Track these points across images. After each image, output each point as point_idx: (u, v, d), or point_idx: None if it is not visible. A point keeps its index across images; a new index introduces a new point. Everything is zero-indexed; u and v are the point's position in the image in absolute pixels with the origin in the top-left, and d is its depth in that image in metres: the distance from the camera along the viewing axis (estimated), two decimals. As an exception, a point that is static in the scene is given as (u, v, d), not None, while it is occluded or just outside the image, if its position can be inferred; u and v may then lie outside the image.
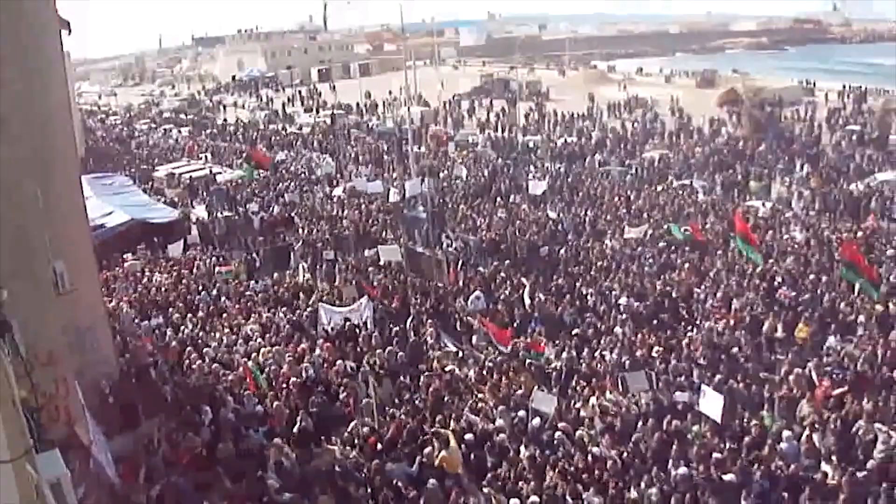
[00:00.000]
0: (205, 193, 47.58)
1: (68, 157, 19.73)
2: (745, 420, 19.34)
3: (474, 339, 25.58)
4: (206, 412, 20.31)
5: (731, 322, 25.45)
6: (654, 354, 23.41)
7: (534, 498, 16.40)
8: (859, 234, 33.58)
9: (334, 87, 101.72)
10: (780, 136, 54.08)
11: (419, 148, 42.44)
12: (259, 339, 24.87)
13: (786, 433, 18.46)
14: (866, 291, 24.58)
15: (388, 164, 53.01)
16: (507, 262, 32.95)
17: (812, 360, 21.83)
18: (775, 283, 28.14)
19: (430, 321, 26.10)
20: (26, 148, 15.84)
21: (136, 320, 26.83)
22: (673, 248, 32.96)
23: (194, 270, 32.09)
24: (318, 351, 23.70)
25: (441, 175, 48.96)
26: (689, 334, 25.32)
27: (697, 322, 26.39)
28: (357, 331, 25.12)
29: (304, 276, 31.94)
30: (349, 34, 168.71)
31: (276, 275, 31.82)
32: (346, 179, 49.57)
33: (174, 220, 38.32)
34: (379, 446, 18.73)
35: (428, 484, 17.22)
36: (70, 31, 20.87)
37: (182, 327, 26.28)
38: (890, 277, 27.69)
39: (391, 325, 25.88)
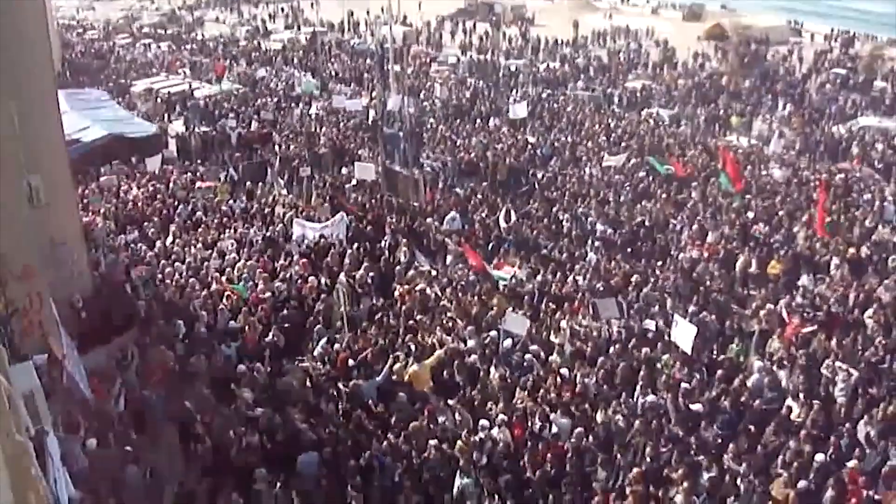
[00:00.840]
0: (182, 109, 47.19)
1: (44, 71, 19.59)
2: (715, 352, 19.56)
3: (448, 258, 25.62)
4: (180, 326, 20.39)
5: (706, 254, 25.61)
6: (627, 282, 23.52)
7: (502, 417, 16.62)
8: (838, 176, 33.71)
9: (317, 4, 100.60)
10: (764, 75, 53.94)
11: (400, 68, 41.96)
12: (234, 255, 24.89)
13: (757, 364, 18.70)
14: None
15: (368, 82, 52.71)
16: (485, 184, 32.98)
17: (784, 298, 22.00)
18: (751, 219, 28.24)
19: (404, 240, 26.10)
20: (0, 61, 15.71)
21: (112, 235, 26.78)
22: (651, 178, 32.98)
23: (171, 185, 31.93)
24: (293, 267, 23.78)
25: (421, 95, 48.75)
26: (662, 264, 25.44)
27: (672, 253, 26.51)
28: (331, 248, 25.15)
29: (279, 192, 31.91)
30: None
31: (251, 190, 31.72)
32: (325, 97, 49.31)
33: (151, 135, 38.02)
34: (350, 363, 18.88)
35: (397, 398, 17.43)
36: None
37: (157, 242, 26.24)
38: (865, 222, 27.80)
39: (366, 243, 25.92)
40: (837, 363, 18.27)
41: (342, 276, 22.68)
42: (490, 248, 26.68)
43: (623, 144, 38.35)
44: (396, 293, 22.53)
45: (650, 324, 20.68)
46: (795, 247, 25.66)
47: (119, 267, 23.53)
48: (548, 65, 60.57)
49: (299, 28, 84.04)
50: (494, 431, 16.23)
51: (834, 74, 53.96)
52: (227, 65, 59.30)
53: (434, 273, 24.23)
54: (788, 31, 73.08)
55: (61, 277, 19.99)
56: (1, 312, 10.48)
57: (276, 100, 49.27)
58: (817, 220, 25.98)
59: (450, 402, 17.52)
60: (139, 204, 29.70)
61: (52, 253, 19.47)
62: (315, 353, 19.44)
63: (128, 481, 15.40)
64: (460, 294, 22.52)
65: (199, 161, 37.01)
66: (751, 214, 28.58)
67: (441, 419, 16.84)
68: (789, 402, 17.40)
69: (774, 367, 18.81)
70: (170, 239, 26.50)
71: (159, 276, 23.36)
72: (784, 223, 27.60)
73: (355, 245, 25.53)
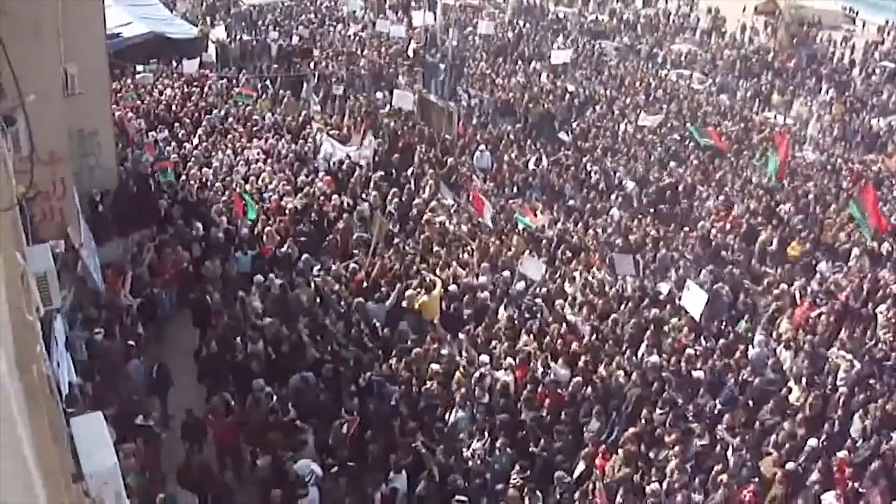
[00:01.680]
0: (226, 15, 46.99)
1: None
2: (724, 323, 19.58)
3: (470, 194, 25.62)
4: (198, 229, 20.53)
5: (728, 226, 25.50)
6: (646, 242, 23.52)
7: (509, 360, 16.75)
8: (874, 167, 33.43)
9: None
10: (811, 57, 53.24)
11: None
12: (260, 164, 24.97)
13: (757, 338, 18.70)
14: (862, 230, 24.45)
15: (417, 8, 52.23)
16: (518, 125, 32.87)
17: (799, 280, 21.93)
18: (778, 197, 28.10)
19: (431, 171, 26.13)
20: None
21: (141, 132, 26.87)
22: (684, 142, 32.82)
23: (205, 90, 31.94)
24: (317, 183, 23.87)
25: (467, 30, 48.50)
26: (684, 229, 25.39)
27: (695, 219, 26.37)
28: (357, 169, 25.22)
29: (312, 108, 31.90)
30: None
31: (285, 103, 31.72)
32: (369, 19, 49.02)
33: (192, 38, 37.88)
34: (364, 284, 19.01)
35: (400, 324, 17.59)
36: None
37: (186, 143, 26.33)
38: (892, 218, 27.49)
39: (392, 170, 25.95)
40: (842, 352, 18.26)
41: (365, 197, 22.79)
42: (515, 190, 26.61)
43: (661, 106, 37.97)
44: (416, 222, 22.58)
45: (663, 286, 20.67)
46: (818, 231, 25.50)
47: (145, 163, 23.61)
48: (596, 17, 59.95)
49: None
50: (496, 372, 16.38)
51: (882, 67, 53.20)
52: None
53: (456, 207, 24.23)
54: (842, 17, 71.84)
55: (87, 167, 20.13)
56: (24, 194, 10.61)
57: (320, 16, 48.99)
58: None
59: (457, 335, 17.65)
60: (172, 104, 29.70)
61: (79, 142, 19.59)
62: (330, 270, 19.61)
63: (130, 374, 15.63)
64: (479, 231, 22.53)
65: (236, 69, 36.86)
66: (780, 194, 28.37)
67: (444, 350, 16.97)
68: (790, 384, 17.43)
69: (780, 348, 18.79)
70: (198, 141, 26.52)
71: (183, 177, 23.45)
72: (811, 206, 27.39)
73: (382, 170, 25.55)
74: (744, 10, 65.08)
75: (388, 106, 32.07)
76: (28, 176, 9.48)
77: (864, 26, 66.54)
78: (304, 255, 20.24)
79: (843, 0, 76.94)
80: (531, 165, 28.28)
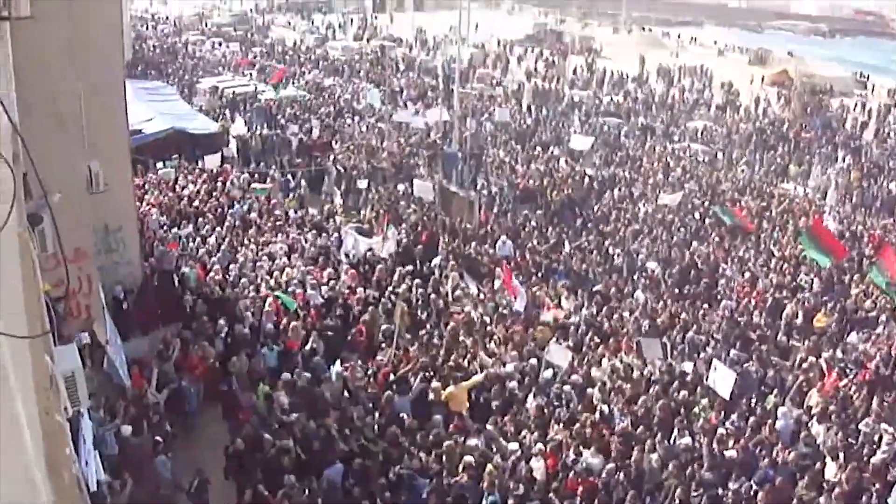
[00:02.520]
0: (246, 109, 47.48)
1: (113, 60, 19.80)
2: (753, 401, 19.39)
3: (496, 283, 25.57)
4: (221, 326, 20.50)
5: (753, 302, 25.37)
6: (672, 323, 23.41)
7: (539, 447, 16.59)
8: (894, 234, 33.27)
9: (392, 18, 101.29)
10: (825, 125, 53.47)
11: (465, 88, 42.39)
12: (284, 259, 25.00)
13: (781, 409, 18.52)
14: (889, 294, 24.31)
15: (433, 100, 52.84)
16: (539, 212, 32.91)
17: (827, 351, 21.75)
18: (801, 270, 27.98)
19: (454, 261, 26.11)
20: (71, 46, 15.89)
21: (165, 227, 27.02)
22: (704, 219, 32.79)
23: (227, 184, 32.13)
24: (342, 277, 23.85)
25: (483, 118, 48.75)
26: (709, 308, 25.25)
27: (720, 297, 26.28)
28: (381, 262, 25.22)
29: (335, 202, 32.05)
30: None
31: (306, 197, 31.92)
32: (389, 111, 49.46)
33: (213, 133, 38.31)
34: (391, 377, 18.91)
35: (433, 418, 17.45)
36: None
37: (209, 238, 26.42)
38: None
39: (416, 261, 25.95)
40: (883, 425, 18.01)
41: (389, 290, 22.78)
42: (540, 276, 26.58)
43: (680, 184, 38.02)
44: (441, 313, 22.53)
45: (690, 366, 20.53)
46: (843, 301, 25.31)
47: (169, 259, 23.68)
48: (611, 98, 60.39)
49: (368, 40, 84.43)
50: (527, 461, 16.22)
51: (896, 130, 53.39)
52: (289, 70, 59.82)
53: (481, 296, 24.18)
54: (853, 83, 72.45)
55: (112, 263, 20.20)
56: (51, 293, 10.59)
57: (339, 109, 49.41)
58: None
59: (485, 426, 17.50)
60: (194, 199, 29.87)
61: (104, 238, 19.68)
62: (356, 364, 19.52)
63: (157, 470, 15.50)
64: (505, 319, 22.45)
65: (257, 163, 37.09)
66: (804, 266, 28.27)
67: (474, 442, 16.80)
68: (826, 458, 17.18)
69: (812, 422, 18.57)
70: (221, 237, 26.60)
71: (209, 272, 23.49)
72: (834, 276, 27.25)
73: (406, 262, 25.59)
74: (751, 81, 65.76)
75: (409, 197, 32.15)
76: (53, 273, 9.48)
77: (873, 90, 66.95)
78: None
79: (853, 65, 77.51)
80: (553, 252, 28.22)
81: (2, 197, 4.35)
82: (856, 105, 61.56)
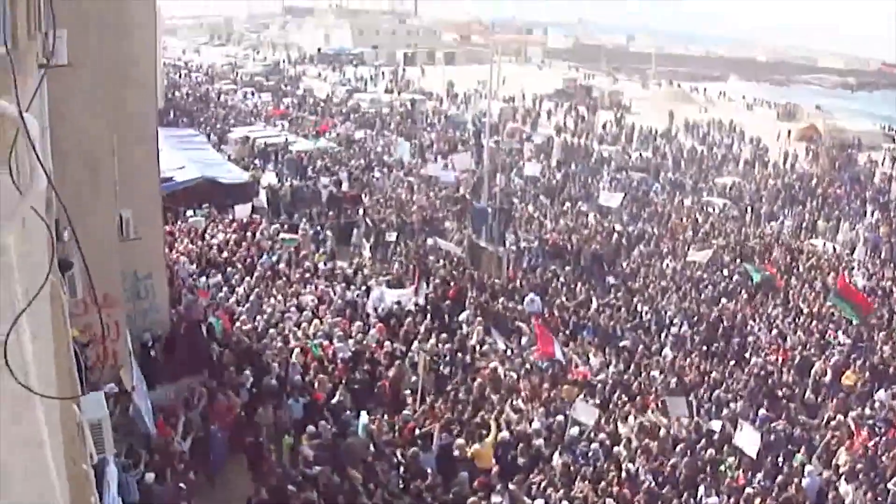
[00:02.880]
0: (277, 160, 47.70)
1: (148, 108, 19.95)
2: (781, 459, 19.21)
3: (524, 339, 25.47)
4: (247, 376, 20.46)
5: (781, 360, 25.20)
6: (700, 381, 23.31)
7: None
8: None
9: (424, 71, 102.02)
10: (854, 179, 53.34)
11: (495, 143, 42.56)
12: (312, 311, 24.97)
13: (809, 468, 18.36)
14: None
15: (462, 153, 52.86)
16: (568, 268, 32.83)
17: (856, 409, 21.55)
18: (830, 326, 27.78)
19: (481, 317, 26.05)
20: (106, 93, 16.00)
21: (194, 275, 27.07)
22: (732, 276, 32.70)
23: (257, 234, 32.20)
24: (370, 330, 23.79)
25: (513, 172, 48.87)
26: (737, 366, 25.09)
27: (747, 355, 26.10)
28: (408, 316, 25.16)
29: (364, 255, 32.08)
30: (438, 21, 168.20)
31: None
32: (419, 165, 49.58)
33: (244, 183, 38.46)
34: (416, 432, 18.80)
35: (458, 476, 17.31)
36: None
37: (238, 288, 26.43)
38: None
39: (444, 315, 25.87)
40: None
41: (417, 345, 22.72)
42: (568, 333, 26.48)
43: (708, 240, 37.89)
44: (468, 369, 22.45)
45: (717, 425, 20.39)
46: (872, 358, 25.08)
47: (197, 308, 23.70)
48: (640, 154, 60.49)
49: (399, 93, 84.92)
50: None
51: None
52: (331, 123, 60.33)
53: (508, 352, 24.10)
54: (881, 137, 72.43)
55: (140, 310, 20.22)
56: (79, 339, 10.58)
57: (369, 162, 49.62)
58: None
59: (510, 484, 17.35)
60: (223, 249, 29.93)
61: (133, 285, 19.71)
62: (382, 418, 19.42)
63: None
64: (532, 376, 22.34)
65: (287, 214, 37.18)
66: (833, 323, 28.11)
67: (497, 499, 16.66)
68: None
69: (841, 481, 18.36)
70: (250, 287, 26.61)
71: (237, 321, 23.48)
72: (863, 333, 27.03)
73: (433, 316, 25.53)
74: (778, 136, 65.77)
75: (437, 251, 32.16)
76: (82, 318, 9.48)
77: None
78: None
79: (881, 119, 77.45)
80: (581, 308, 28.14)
81: (35, 244, 4.31)
82: (884, 159, 61.44)
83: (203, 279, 26.99)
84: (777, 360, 25.22)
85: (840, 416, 20.92)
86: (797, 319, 28.62)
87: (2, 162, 3.44)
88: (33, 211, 4.12)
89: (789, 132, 70.26)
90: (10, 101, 3.49)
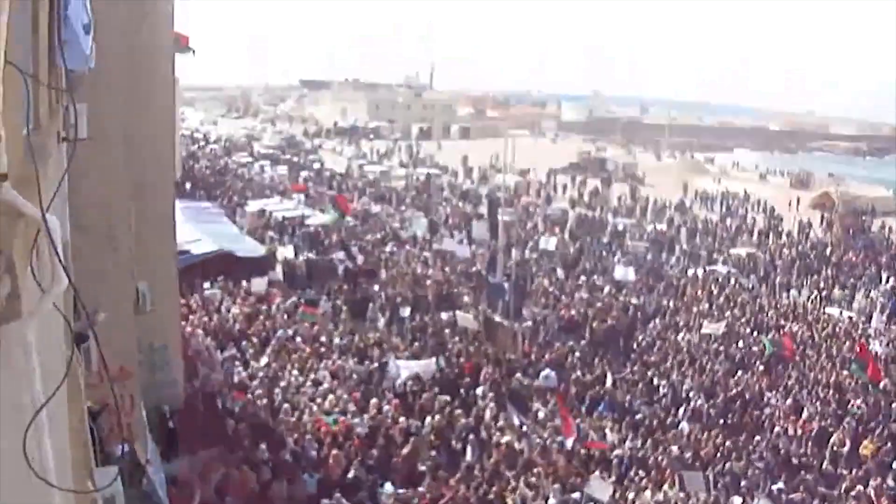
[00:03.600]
0: (294, 234, 47.86)
1: (166, 180, 20.10)
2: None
3: (539, 415, 25.37)
4: (263, 451, 20.38)
5: (799, 431, 25.04)
6: (716, 455, 23.16)
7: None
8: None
9: (440, 146, 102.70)
10: (868, 247, 53.37)
11: (509, 217, 42.81)
12: (327, 386, 24.90)
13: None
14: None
15: (478, 229, 53.03)
16: (583, 342, 32.74)
17: (875, 479, 21.38)
18: (847, 396, 27.63)
19: (497, 392, 25.97)
20: (125, 166, 16.12)
21: (209, 348, 27.06)
22: (747, 348, 32.62)
23: (273, 308, 32.23)
24: (385, 406, 23.71)
25: (528, 246, 48.97)
26: (754, 438, 24.92)
27: (765, 427, 25.94)
28: (424, 390, 25.08)
29: (379, 329, 32.08)
30: (453, 95, 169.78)
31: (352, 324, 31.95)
32: (435, 239, 49.70)
33: (260, 257, 38.59)
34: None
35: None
36: (194, 52, 21.51)
37: (253, 362, 26.41)
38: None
39: (459, 390, 25.79)
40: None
41: (432, 420, 22.67)
42: (584, 408, 26.38)
43: (723, 313, 37.89)
44: (483, 444, 22.35)
45: (736, 500, 20.27)
46: (891, 426, 24.90)
47: (213, 381, 23.68)
48: (654, 226, 60.63)
49: (415, 167, 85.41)
50: None
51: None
52: (351, 198, 60.80)
53: (523, 428, 23.99)
54: (895, 202, 72.56)
55: (155, 382, 20.20)
56: (93, 409, 10.59)
57: (385, 236, 49.80)
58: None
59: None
60: (239, 322, 29.95)
61: (149, 357, 19.71)
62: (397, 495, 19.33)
63: None
64: (547, 452, 22.23)
65: (303, 288, 37.23)
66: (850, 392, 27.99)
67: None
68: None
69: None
70: (265, 361, 26.58)
71: (251, 396, 23.42)
72: (881, 401, 26.87)
73: (449, 391, 25.46)
74: (790, 205, 66.04)
75: (453, 326, 32.14)
76: (96, 392, 9.48)
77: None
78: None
79: (892, 183, 77.64)
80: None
81: (53, 316, 4.34)
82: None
83: (219, 352, 26.97)
84: (794, 430, 25.10)
85: (860, 487, 20.76)
86: (814, 389, 28.51)
87: (23, 259, 3.48)
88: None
89: (798, 200, 70.73)
90: (31, 195, 3.54)
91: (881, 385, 26.85)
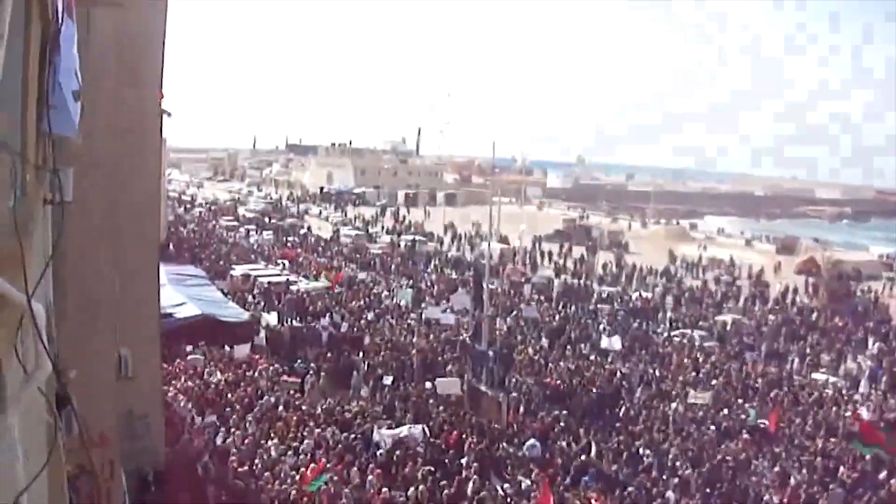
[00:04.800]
0: (277, 301, 47.76)
1: (151, 244, 20.02)
2: None
3: (524, 485, 25.17)
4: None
5: (786, 499, 24.90)
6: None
7: None
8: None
9: (428, 213, 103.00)
10: (854, 311, 53.57)
11: (494, 285, 42.74)
12: (309, 455, 24.68)
13: None
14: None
15: (462, 296, 52.98)
16: (567, 412, 32.59)
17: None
18: (832, 463, 27.58)
19: (481, 462, 25.74)
20: (109, 230, 16.03)
21: (191, 415, 26.86)
22: (734, 416, 32.53)
23: (255, 374, 32.02)
24: (368, 476, 23.47)
25: (512, 314, 48.89)
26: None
27: (751, 495, 25.75)
28: (407, 459, 24.85)
29: (363, 397, 31.92)
30: (439, 161, 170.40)
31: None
32: (418, 307, 49.61)
33: (244, 322, 38.45)
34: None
35: None
36: (170, 115, 21.59)
37: (234, 430, 26.17)
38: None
39: (443, 460, 25.57)
40: None
41: (414, 491, 22.47)
42: (569, 479, 26.18)
43: (709, 382, 37.83)
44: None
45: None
46: (878, 493, 24.78)
47: (193, 447, 23.48)
48: (640, 293, 60.73)
49: (399, 234, 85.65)
50: None
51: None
52: (328, 264, 60.89)
53: (508, 499, 23.77)
54: (881, 266, 73.30)
55: (135, 449, 19.98)
56: (71, 474, 10.44)
57: (369, 303, 49.74)
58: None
59: None
60: (222, 388, 29.73)
61: (129, 424, 19.50)
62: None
63: None
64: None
65: (286, 355, 37.05)
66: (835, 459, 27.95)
67: None
68: None
69: None
70: (248, 428, 26.35)
71: (233, 463, 23.21)
72: (868, 468, 26.77)
73: (431, 461, 25.23)
74: (775, 270, 66.38)
75: (437, 395, 31.98)
76: (75, 456, 9.33)
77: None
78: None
79: (879, 247, 78.37)
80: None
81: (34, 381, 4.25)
82: (884, 288, 61.85)
83: (200, 419, 26.75)
84: (782, 499, 25.03)
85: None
86: (801, 457, 28.43)
87: (7, 345, 3.40)
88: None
89: (779, 265, 71.23)
90: (17, 274, 3.47)
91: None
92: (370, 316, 46.25)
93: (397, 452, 25.31)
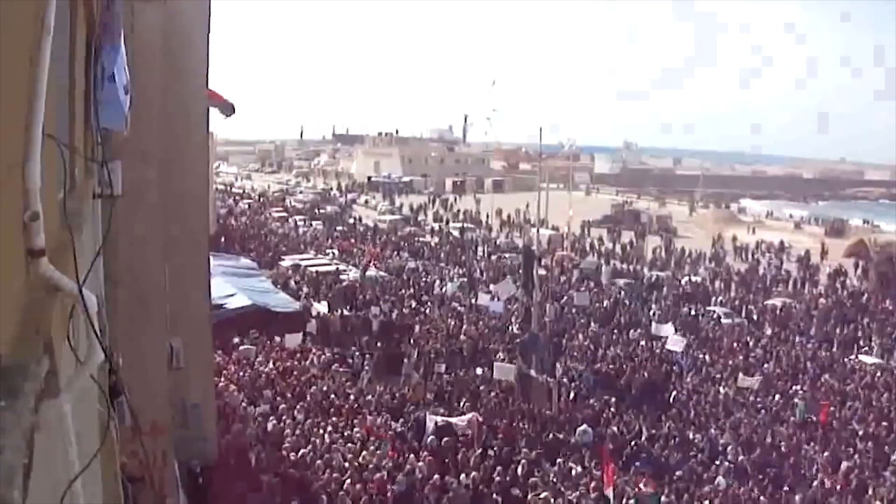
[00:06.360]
0: (328, 290, 47.86)
1: (201, 236, 20.10)
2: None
3: (574, 471, 25.11)
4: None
5: (837, 485, 24.68)
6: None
7: None
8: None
9: (478, 200, 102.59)
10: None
11: (544, 271, 42.53)
12: (361, 443, 24.73)
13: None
14: None
15: (512, 283, 52.79)
16: (619, 397, 32.47)
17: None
18: (885, 448, 27.33)
19: (532, 448, 25.73)
20: (160, 222, 16.15)
21: (243, 404, 26.96)
22: (784, 400, 32.37)
23: (307, 364, 32.13)
24: (419, 462, 23.52)
25: (563, 300, 48.84)
26: (792, 492, 24.56)
27: (803, 479, 25.59)
28: (459, 445, 24.86)
29: (414, 385, 31.94)
30: (486, 149, 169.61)
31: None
32: (468, 295, 49.57)
33: (294, 312, 38.57)
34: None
35: None
36: (234, 111, 21.71)
37: (286, 419, 26.28)
38: None
39: (495, 447, 25.59)
40: None
41: (466, 478, 22.46)
42: (620, 464, 26.11)
43: (760, 365, 37.61)
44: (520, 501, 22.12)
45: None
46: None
47: (246, 436, 23.58)
48: (689, 278, 60.37)
49: (448, 222, 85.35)
50: None
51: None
52: (377, 252, 60.79)
53: (559, 484, 23.72)
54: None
55: (188, 438, 20.12)
56: (125, 466, 10.55)
57: (420, 292, 49.91)
58: None
59: None
60: (273, 378, 29.87)
61: (182, 413, 19.65)
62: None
63: None
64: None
65: (337, 344, 37.21)
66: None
67: None
68: None
69: None
70: (299, 417, 26.46)
71: (286, 452, 23.28)
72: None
73: (484, 448, 25.23)
74: (822, 253, 65.55)
75: (488, 381, 31.98)
76: (129, 447, 9.45)
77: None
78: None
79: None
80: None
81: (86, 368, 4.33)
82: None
83: (252, 408, 26.87)
84: (833, 484, 24.81)
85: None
86: (852, 442, 28.25)
87: (60, 333, 3.48)
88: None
89: (826, 247, 70.40)
90: (67, 264, 3.55)
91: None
92: (420, 304, 46.36)
93: (449, 439, 25.34)
